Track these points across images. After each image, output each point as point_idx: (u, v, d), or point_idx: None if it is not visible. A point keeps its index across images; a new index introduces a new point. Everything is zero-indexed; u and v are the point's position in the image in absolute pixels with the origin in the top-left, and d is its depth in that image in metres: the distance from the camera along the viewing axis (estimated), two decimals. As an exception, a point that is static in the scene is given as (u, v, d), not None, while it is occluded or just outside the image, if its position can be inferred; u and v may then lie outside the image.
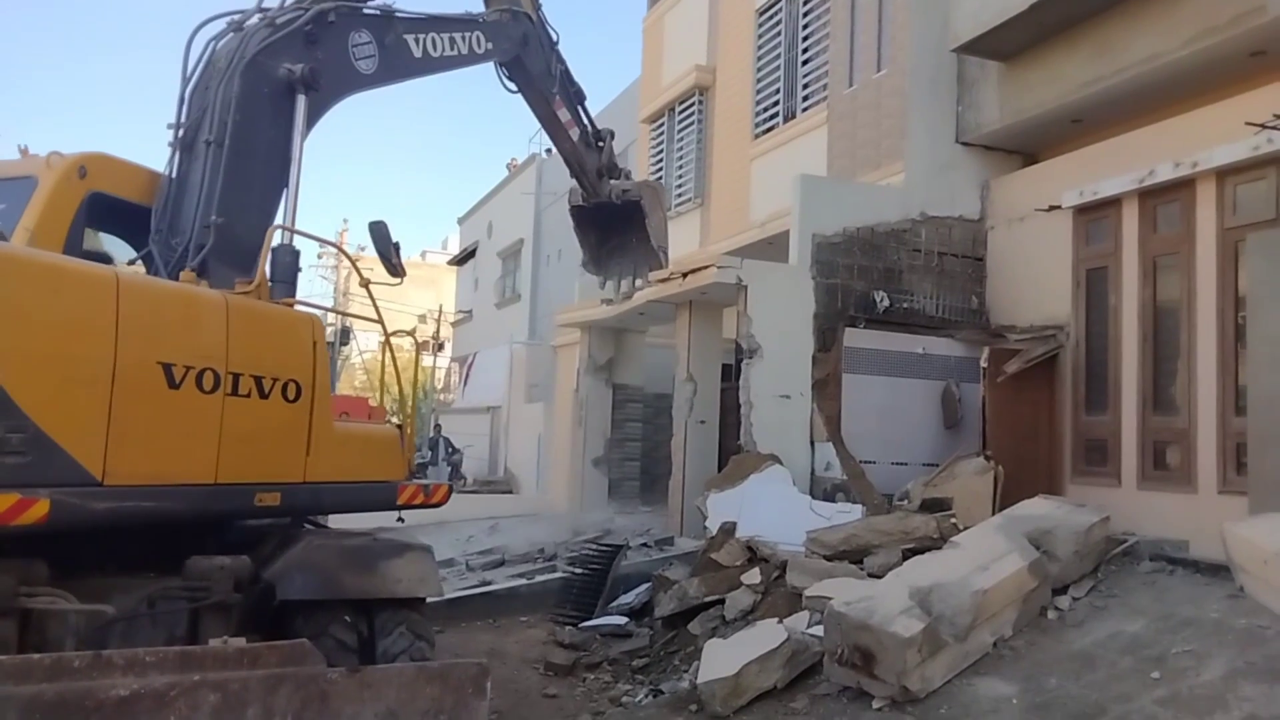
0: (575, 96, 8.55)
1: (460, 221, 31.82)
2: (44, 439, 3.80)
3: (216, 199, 5.13)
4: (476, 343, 27.80)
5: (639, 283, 10.13)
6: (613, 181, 9.16)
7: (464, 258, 30.49)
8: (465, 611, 8.09)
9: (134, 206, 5.38)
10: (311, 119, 5.71)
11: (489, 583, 8.96)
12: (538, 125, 8.83)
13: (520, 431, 22.33)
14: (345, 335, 33.86)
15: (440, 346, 37.52)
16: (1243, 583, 5.40)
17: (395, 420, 6.32)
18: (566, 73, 8.34)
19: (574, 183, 9.45)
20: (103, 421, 4.01)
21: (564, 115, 8.44)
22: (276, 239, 5.27)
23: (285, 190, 5.50)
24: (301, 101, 5.47)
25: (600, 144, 8.96)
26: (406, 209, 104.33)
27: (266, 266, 5.25)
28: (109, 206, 5.23)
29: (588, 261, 10.29)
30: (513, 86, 7.95)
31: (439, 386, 37.25)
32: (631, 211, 9.15)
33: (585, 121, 8.75)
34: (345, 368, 38.54)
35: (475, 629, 7.79)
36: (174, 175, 5.38)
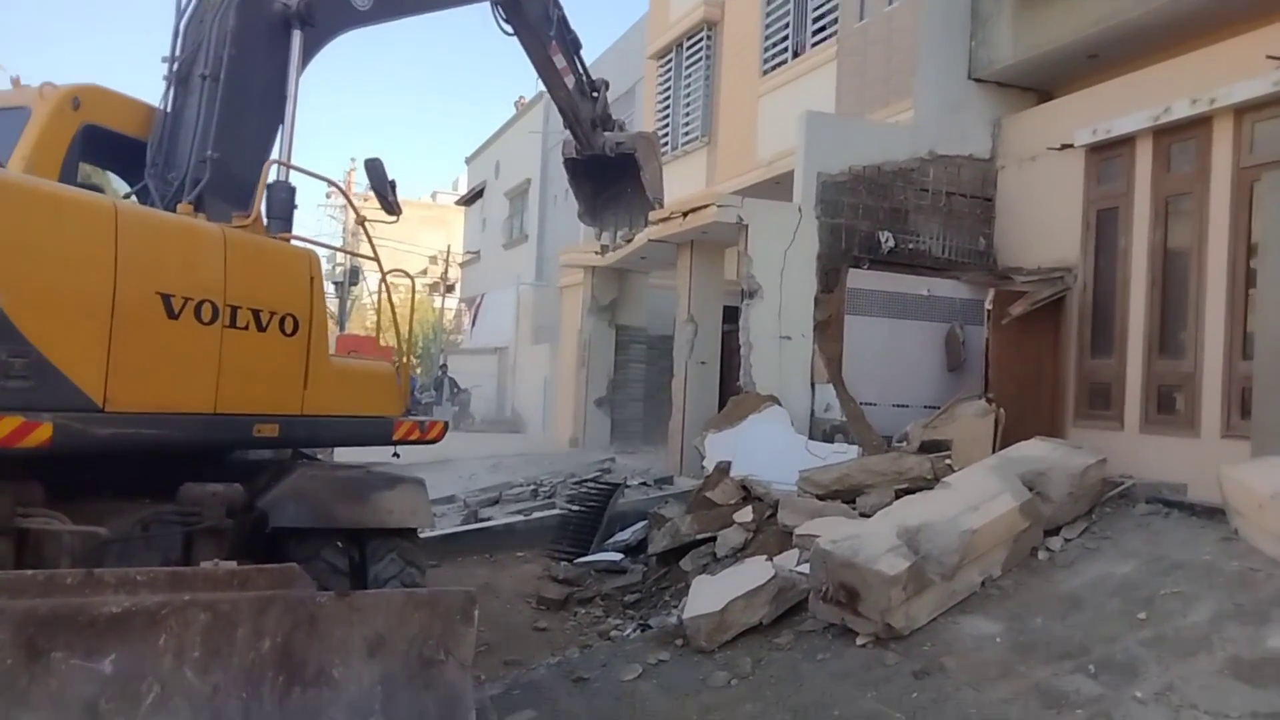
0: (571, 44, 8.37)
1: (468, 161, 31.45)
2: (46, 365, 3.82)
3: (212, 134, 5.10)
4: (484, 284, 27.72)
5: (634, 233, 10.02)
6: (607, 133, 9.02)
7: (471, 198, 30.22)
8: (462, 547, 8.18)
9: (129, 140, 5.33)
10: (307, 54, 5.62)
11: (486, 519, 9.04)
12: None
13: (527, 372, 22.40)
14: (354, 275, 33.92)
15: (450, 288, 37.53)
16: (1237, 525, 5.36)
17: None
18: (563, 18, 8.15)
19: (568, 134, 9.31)
20: (103, 349, 4.02)
21: (560, 61, 8.26)
22: (272, 175, 5.23)
23: (281, 126, 5.44)
24: (297, 36, 5.40)
25: (595, 94, 8.80)
26: (417, 149, 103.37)
27: (263, 203, 5.21)
28: (103, 139, 5.17)
29: (583, 212, 10.21)
30: (509, 29, 7.79)
31: (448, 327, 37.36)
32: (626, 163, 9.03)
33: (580, 70, 8.58)
34: (356, 307, 38.65)
35: (471, 564, 7.88)
36: (169, 110, 5.33)
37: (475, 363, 26.22)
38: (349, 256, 32.80)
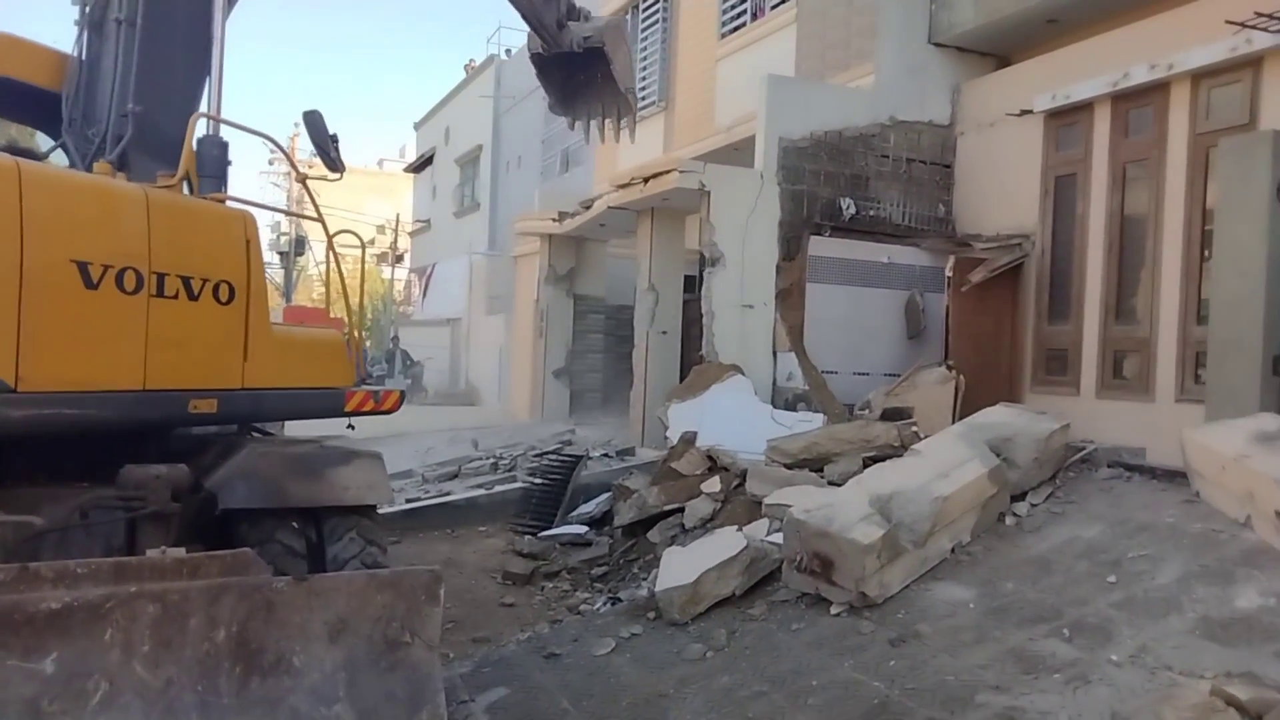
0: None
1: (416, 127, 30.67)
2: None
3: (133, 85, 4.70)
4: (435, 253, 27.18)
5: (609, 124, 9.69)
6: (572, 24, 8.65)
7: (421, 165, 29.52)
8: (423, 522, 8.00)
9: (43, 93, 4.94)
10: None
11: (447, 493, 8.85)
12: (496, 25, 8.28)
13: (481, 343, 22.08)
14: (300, 245, 33.00)
15: (399, 258, 36.77)
16: (1199, 488, 5.43)
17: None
18: None
19: (530, 32, 8.93)
20: (12, 324, 3.71)
21: None
22: (201, 129, 4.89)
23: (209, 77, 5.08)
24: None
25: None
26: (362, 116, 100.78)
27: (192, 161, 4.89)
28: (13, 92, 4.79)
29: (553, 104, 9.85)
30: None
31: (398, 298, 36.66)
32: (596, 55, 8.71)
33: None
34: (302, 278, 37.71)
35: (433, 539, 7.71)
36: (84, 58, 4.92)
37: (427, 334, 25.77)
38: (294, 225, 31.90)
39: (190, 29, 4.94)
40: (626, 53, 9.27)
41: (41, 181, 3.90)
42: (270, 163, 41.64)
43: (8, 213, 3.70)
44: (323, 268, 35.35)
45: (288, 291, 32.01)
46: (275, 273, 36.13)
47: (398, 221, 35.45)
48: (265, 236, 39.85)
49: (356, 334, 5.62)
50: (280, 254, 34.17)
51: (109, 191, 4.20)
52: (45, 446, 4.23)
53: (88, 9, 4.90)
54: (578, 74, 9.32)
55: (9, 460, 4.10)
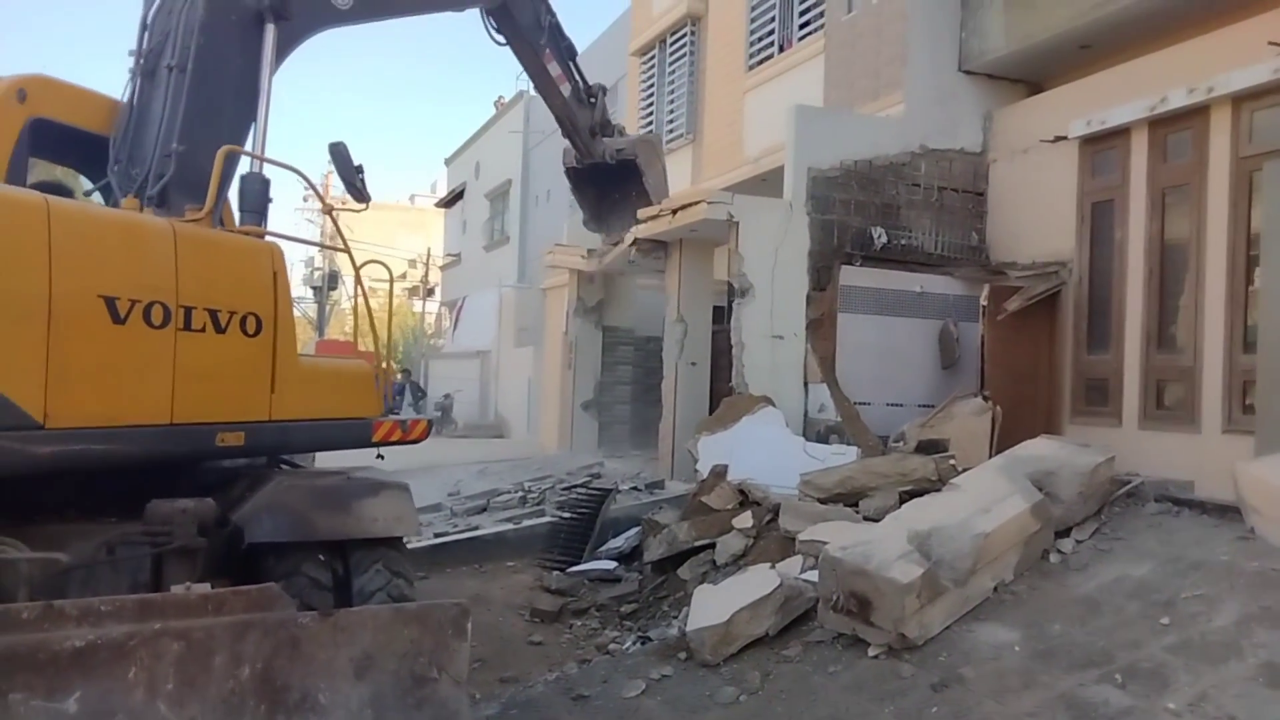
0: (566, 51, 8.23)
1: (447, 162, 31.07)
2: None
3: (178, 126, 4.82)
4: (465, 286, 27.37)
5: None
6: (606, 140, 8.82)
7: (451, 200, 29.85)
8: (450, 557, 7.91)
9: (85, 135, 5.03)
10: (282, 51, 5.37)
11: (475, 528, 8.77)
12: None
13: (510, 375, 22.11)
14: (334, 280, 33.41)
15: (430, 291, 37.11)
16: (1254, 524, 5.20)
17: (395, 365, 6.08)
18: (556, 25, 7.99)
19: (567, 143, 9.12)
20: (40, 360, 3.70)
21: (554, 69, 8.09)
22: (244, 167, 4.95)
23: (254, 124, 5.16)
24: (270, 31, 5.14)
25: (593, 100, 8.64)
26: (394, 153, 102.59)
27: (230, 195, 4.94)
28: (56, 134, 4.87)
29: (588, 219, 10.05)
30: (500, 39, 7.62)
31: (429, 331, 36.94)
32: (628, 169, 8.84)
33: (577, 77, 8.42)
34: (335, 312, 38.14)
35: (461, 574, 7.61)
36: (134, 103, 5.04)
37: (457, 367, 25.87)
38: (327, 261, 32.32)
39: (239, 78, 5.07)
40: (661, 169, 9.40)
41: (69, 216, 3.91)
42: (305, 199, 42.37)
43: (36, 248, 3.71)
44: (353, 301, 35.87)
45: (320, 325, 32.37)
46: (309, 307, 36.63)
47: (428, 255, 35.83)
48: (299, 271, 40.46)
49: (386, 365, 5.60)
50: (313, 289, 34.60)
51: (136, 226, 4.22)
52: (74, 482, 4.22)
53: (142, 60, 5.03)
54: (612, 192, 9.46)
55: (38, 496, 4.09)
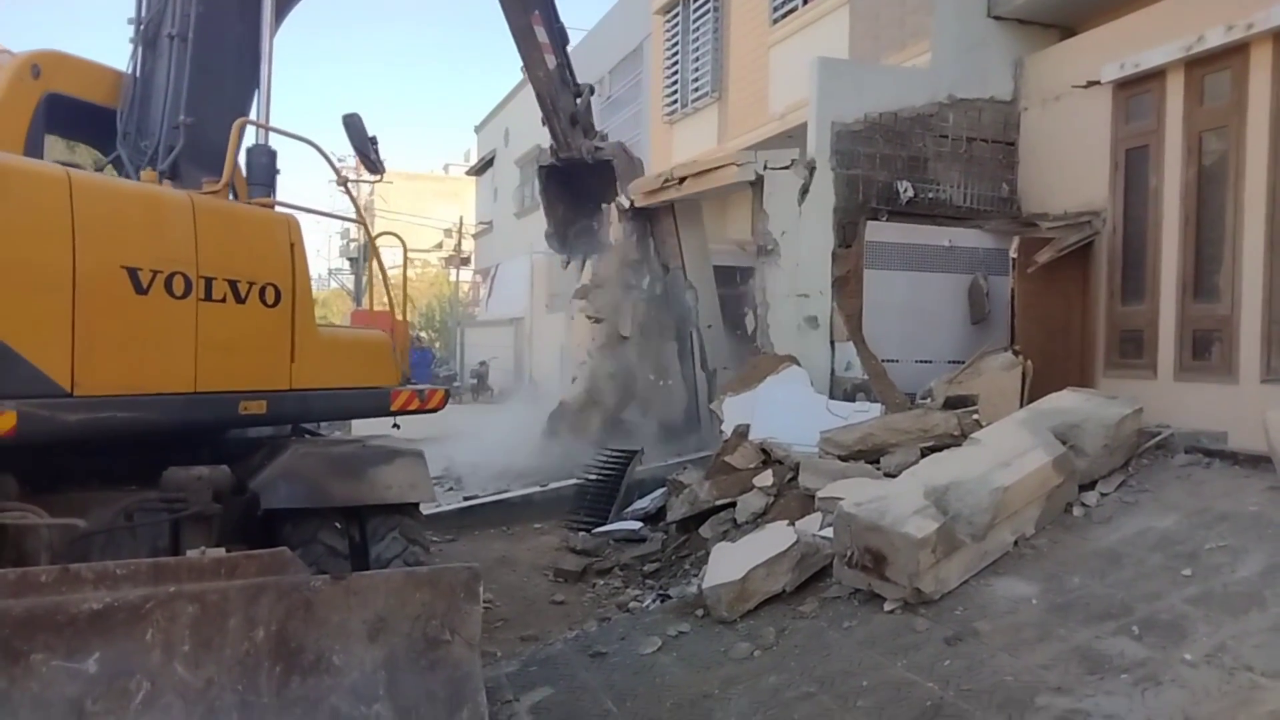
0: (559, 34, 8.13)
1: (478, 130, 31.01)
2: (4, 349, 3.61)
3: (184, 97, 4.87)
4: (498, 254, 27.45)
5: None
6: (586, 140, 8.74)
7: (482, 167, 29.84)
8: (479, 520, 8.04)
9: (97, 109, 5.09)
10: (281, 12, 5.37)
11: (504, 490, 8.89)
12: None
13: (543, 342, 22.22)
14: (368, 251, 33.79)
15: (464, 260, 37.30)
16: (1285, 474, 5.08)
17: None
18: (551, 2, 7.91)
19: (545, 144, 9.05)
20: (66, 330, 3.81)
21: (541, 35, 7.97)
22: (250, 137, 4.99)
23: (258, 89, 5.19)
24: None
25: (578, 94, 8.55)
26: (429, 123, 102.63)
27: (241, 166, 4.99)
28: (70, 109, 4.94)
29: (551, 235, 10.04)
30: None
31: (464, 300, 37.20)
32: (604, 175, 8.73)
33: (564, 59, 8.32)
34: (371, 284, 38.56)
35: (489, 536, 7.74)
36: (138, 74, 5.07)
37: (492, 334, 26.07)
38: (362, 232, 32.64)
39: (240, 43, 5.09)
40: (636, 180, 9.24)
41: (91, 190, 4.00)
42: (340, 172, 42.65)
43: (59, 220, 3.80)
44: (393, 273, 36.23)
45: (358, 295, 32.75)
46: (347, 279, 36.96)
47: (461, 224, 35.95)
48: (335, 244, 40.80)
49: (403, 325, 5.65)
50: (350, 260, 34.94)
51: (156, 198, 4.29)
52: (99, 450, 4.34)
53: (142, 27, 5.05)
54: (580, 215, 9.36)
55: (63, 464, 4.21)
